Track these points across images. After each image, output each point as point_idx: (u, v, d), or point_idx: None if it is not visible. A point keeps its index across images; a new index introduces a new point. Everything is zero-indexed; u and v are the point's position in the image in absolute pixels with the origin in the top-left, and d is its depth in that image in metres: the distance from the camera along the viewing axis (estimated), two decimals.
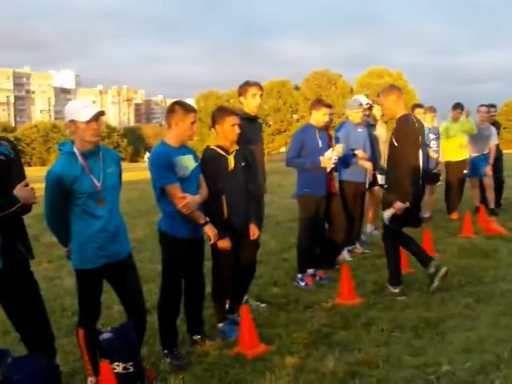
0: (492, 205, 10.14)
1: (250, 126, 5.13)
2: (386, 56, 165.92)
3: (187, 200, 4.08)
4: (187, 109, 4.24)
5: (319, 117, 6.15)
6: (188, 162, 4.27)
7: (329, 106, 6.38)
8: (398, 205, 5.35)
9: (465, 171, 10.03)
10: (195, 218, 4.19)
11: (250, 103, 5.20)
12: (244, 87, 5.22)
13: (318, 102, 6.34)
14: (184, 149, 4.31)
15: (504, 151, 11.29)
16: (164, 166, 4.14)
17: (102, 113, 3.66)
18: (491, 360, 3.86)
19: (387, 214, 5.47)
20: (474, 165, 10.15)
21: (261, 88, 5.25)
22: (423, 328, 4.58)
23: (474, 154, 10.13)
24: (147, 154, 67.68)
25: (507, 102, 74.21)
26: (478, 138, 10.07)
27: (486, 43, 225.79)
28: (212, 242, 4.36)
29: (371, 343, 4.32)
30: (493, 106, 10.97)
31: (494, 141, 10.24)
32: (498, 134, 10.88)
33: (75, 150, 3.62)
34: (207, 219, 4.29)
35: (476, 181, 10.31)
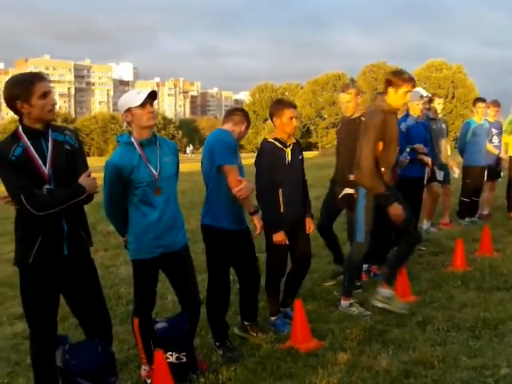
0: None
1: None
2: (445, 48, 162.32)
3: (245, 183, 4.11)
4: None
5: None
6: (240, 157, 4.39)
7: None
8: None
9: None
10: (247, 204, 4.21)
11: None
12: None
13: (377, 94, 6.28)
14: None
15: None
16: (229, 147, 4.23)
17: (153, 93, 3.69)
18: None
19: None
20: None
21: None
22: (481, 328, 4.44)
23: None
24: (190, 147, 68.46)
25: None
26: None
27: None
28: (257, 233, 4.34)
29: (426, 342, 4.23)
30: None
31: None
32: None
33: (133, 139, 3.67)
34: (257, 209, 4.30)
35: None
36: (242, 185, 4.09)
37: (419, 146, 6.82)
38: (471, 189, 8.84)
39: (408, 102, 4.95)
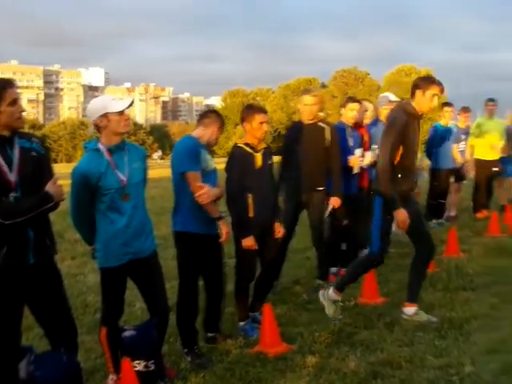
0: None
1: None
2: (415, 53, 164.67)
3: (205, 189, 4.11)
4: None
5: (348, 113, 6.12)
6: (210, 161, 4.37)
7: (356, 101, 6.30)
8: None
9: (495, 169, 9.85)
10: (210, 210, 4.22)
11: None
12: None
13: (348, 99, 6.38)
14: (207, 150, 4.43)
15: None
16: (190, 153, 4.23)
17: (132, 102, 3.77)
18: None
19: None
20: (505, 164, 9.97)
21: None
22: (447, 328, 4.52)
23: (506, 154, 9.95)
24: (158, 153, 67.87)
25: None
26: (509, 137, 9.91)
27: None
28: (223, 239, 4.33)
29: (394, 343, 4.28)
30: None
31: None
32: None
33: (100, 146, 3.65)
34: (222, 214, 4.31)
35: (503, 180, 10.13)
36: (202, 191, 4.10)
37: None
38: (438, 191, 9.00)
39: (434, 106, 4.70)
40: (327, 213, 5.76)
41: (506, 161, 9.91)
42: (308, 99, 5.70)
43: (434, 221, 8.94)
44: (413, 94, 4.61)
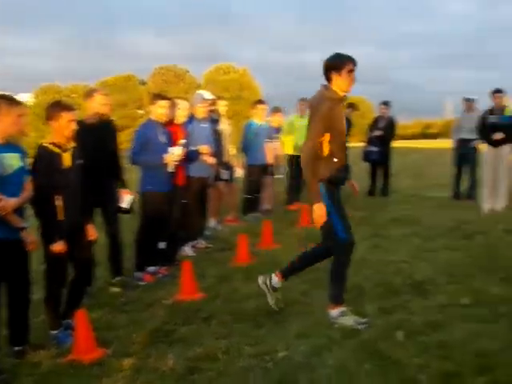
0: None
1: None
2: (235, 53, 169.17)
3: (2, 203, 3.82)
4: (11, 102, 4.01)
5: (157, 110, 6.05)
6: (12, 161, 4.00)
7: (165, 99, 6.24)
8: None
9: None
10: (11, 221, 3.93)
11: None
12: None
13: (155, 96, 6.26)
14: (10, 146, 4.03)
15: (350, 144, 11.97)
16: None
17: None
18: (325, 342, 4.06)
19: None
20: None
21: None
22: (263, 317, 4.70)
23: None
24: None
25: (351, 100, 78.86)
26: None
27: (332, 41, 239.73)
28: (30, 248, 4.09)
29: (211, 337, 4.35)
30: (351, 105, 11.70)
31: None
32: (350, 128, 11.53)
33: None
34: (25, 225, 4.04)
35: None
36: None
37: (203, 148, 7.00)
38: (254, 186, 9.35)
39: (354, 82, 4.48)
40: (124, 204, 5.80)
41: None
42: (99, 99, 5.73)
43: (251, 214, 9.30)
44: (329, 79, 4.46)
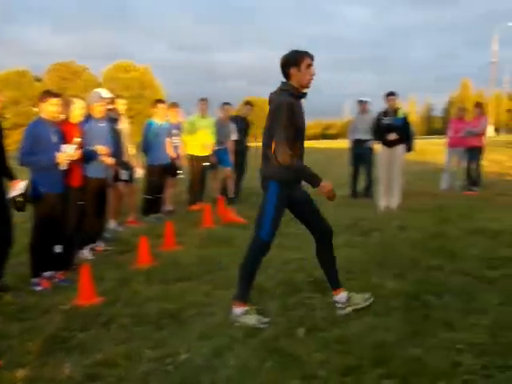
0: (232, 194, 10.84)
1: None
2: (135, 51, 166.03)
3: None
4: None
5: (48, 108, 5.76)
6: None
7: (57, 96, 5.95)
8: None
9: (207, 163, 10.50)
10: None
11: None
12: None
13: (45, 93, 5.94)
14: None
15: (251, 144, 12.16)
16: None
17: None
18: (226, 342, 4.05)
19: None
20: (217, 157, 10.69)
21: None
22: (165, 320, 4.62)
23: (217, 147, 10.67)
24: None
25: (249, 99, 79.79)
26: (219, 132, 10.65)
27: (232, 42, 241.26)
28: None
29: (111, 342, 4.21)
30: (248, 103, 12.07)
31: (233, 137, 10.94)
32: (248, 128, 11.72)
33: None
34: None
35: (217, 173, 10.89)
36: None
37: (101, 148, 6.79)
38: (154, 186, 9.21)
39: (313, 75, 4.44)
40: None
41: (220, 151, 10.65)
42: None
43: (152, 215, 9.15)
44: (287, 75, 4.43)
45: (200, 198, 10.49)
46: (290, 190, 4.50)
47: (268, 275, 5.66)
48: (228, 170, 10.92)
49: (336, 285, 4.74)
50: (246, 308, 4.53)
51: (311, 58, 4.43)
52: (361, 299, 4.67)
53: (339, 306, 4.65)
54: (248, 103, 12.08)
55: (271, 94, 4.54)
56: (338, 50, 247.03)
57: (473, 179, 12.25)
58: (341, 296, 4.68)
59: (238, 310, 4.52)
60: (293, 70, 4.40)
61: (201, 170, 10.52)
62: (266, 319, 4.48)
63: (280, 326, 4.32)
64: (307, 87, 4.47)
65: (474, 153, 12.30)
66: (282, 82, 4.48)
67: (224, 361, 3.78)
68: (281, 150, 4.27)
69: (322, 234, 4.74)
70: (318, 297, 4.99)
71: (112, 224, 8.28)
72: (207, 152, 10.48)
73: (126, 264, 6.41)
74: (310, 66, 4.41)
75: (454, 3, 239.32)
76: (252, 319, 4.45)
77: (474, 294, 4.88)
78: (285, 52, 4.46)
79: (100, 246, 7.19)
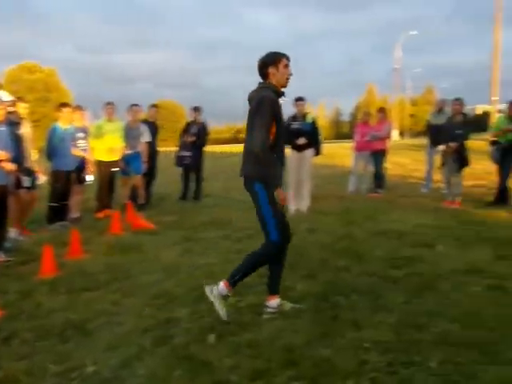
0: (142, 200, 10.65)
1: None
2: (40, 52, 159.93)
3: None
4: None
5: None
6: None
7: None
8: None
9: (115, 169, 10.26)
10: None
11: None
12: None
13: None
14: None
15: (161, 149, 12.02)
16: None
17: None
18: (135, 352, 3.95)
19: None
20: (127, 162, 10.46)
21: None
22: (70, 331, 4.44)
23: (127, 152, 10.44)
24: None
25: (157, 102, 79.06)
26: (129, 135, 10.44)
27: (139, 44, 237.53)
28: None
29: (12, 358, 3.98)
30: (154, 105, 11.99)
31: (145, 139, 10.77)
32: (157, 132, 11.55)
33: None
34: None
35: (127, 179, 10.65)
36: None
37: (0, 153, 6.46)
38: (60, 193, 8.87)
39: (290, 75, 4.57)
40: None
41: (132, 156, 10.44)
42: None
43: (58, 223, 8.81)
44: (266, 75, 4.54)
45: (108, 205, 10.22)
46: (275, 187, 4.50)
47: (178, 281, 5.59)
48: (138, 178, 10.70)
49: (274, 290, 4.75)
50: (227, 301, 4.60)
51: (287, 58, 4.60)
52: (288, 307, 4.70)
53: (268, 310, 4.66)
54: (154, 106, 11.94)
55: (251, 92, 4.62)
56: (249, 54, 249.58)
57: (378, 182, 12.70)
58: (272, 302, 4.69)
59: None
60: (271, 70, 4.52)
61: (109, 176, 10.26)
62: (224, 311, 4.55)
63: (191, 333, 4.26)
64: (285, 86, 4.60)
65: (378, 156, 12.77)
66: (261, 82, 4.60)
67: (132, 371, 3.68)
68: (259, 138, 4.32)
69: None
70: (229, 302, 4.96)
71: (13, 233, 7.89)
72: (116, 157, 10.24)
73: (29, 275, 6.10)
74: (286, 66, 4.57)
75: (362, 10, 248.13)
76: (222, 309, 4.51)
77: (380, 293, 5.03)
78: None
79: (1, 256, 6.82)
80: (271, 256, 4.62)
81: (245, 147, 4.56)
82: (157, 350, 3.99)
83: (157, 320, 4.57)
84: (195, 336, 4.20)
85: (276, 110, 4.44)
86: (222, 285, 4.57)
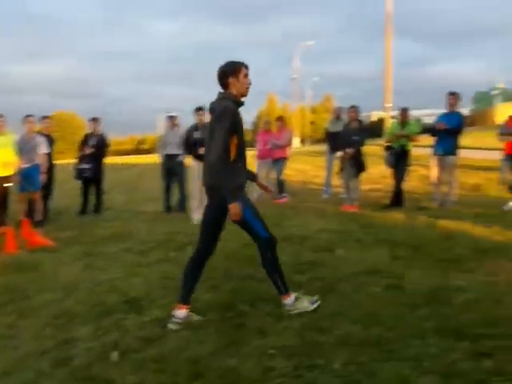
0: (39, 216, 10.19)
1: None
2: None
3: None
4: None
5: None
6: None
7: None
8: None
9: (9, 184, 9.74)
10: None
11: None
12: None
13: None
14: None
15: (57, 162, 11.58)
16: None
17: None
18: (32, 377, 3.75)
19: None
20: (25, 177, 9.94)
21: None
22: None
23: (24, 166, 9.93)
24: None
25: (54, 113, 76.41)
26: (25, 148, 9.97)
27: (32, 55, 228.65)
28: None
29: None
30: (47, 117, 11.52)
31: (43, 150, 10.33)
32: (53, 145, 11.14)
33: None
34: None
35: (22, 194, 10.15)
36: None
37: None
38: None
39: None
40: None
41: (29, 170, 9.97)
42: None
43: None
44: (226, 85, 4.56)
45: (2, 222, 9.67)
46: (234, 198, 4.48)
47: (78, 299, 5.38)
48: (35, 193, 10.21)
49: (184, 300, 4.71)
50: (295, 294, 4.79)
51: (246, 67, 4.64)
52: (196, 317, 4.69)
53: (174, 320, 4.60)
54: (46, 117, 11.50)
55: (212, 103, 4.65)
56: (150, 64, 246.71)
57: (280, 188, 12.91)
58: (180, 313, 4.63)
59: (288, 300, 4.73)
60: (231, 80, 4.56)
61: (2, 192, 9.72)
62: (315, 297, 4.83)
63: (93, 352, 4.12)
64: (245, 95, 4.66)
65: (279, 163, 13.00)
66: (221, 92, 4.61)
67: None
68: (217, 149, 4.36)
69: (212, 248, 4.87)
70: (133, 317, 4.84)
71: None
72: (9, 172, 9.71)
73: None
74: (246, 75, 4.61)
75: (263, 21, 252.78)
76: (304, 302, 4.74)
77: None
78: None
79: None
80: (271, 250, 4.75)
81: (206, 157, 4.61)
82: (56, 372, 3.81)
83: (56, 341, 4.38)
84: (97, 355, 4.06)
85: (237, 120, 4.51)
86: (285, 301, 4.75)
